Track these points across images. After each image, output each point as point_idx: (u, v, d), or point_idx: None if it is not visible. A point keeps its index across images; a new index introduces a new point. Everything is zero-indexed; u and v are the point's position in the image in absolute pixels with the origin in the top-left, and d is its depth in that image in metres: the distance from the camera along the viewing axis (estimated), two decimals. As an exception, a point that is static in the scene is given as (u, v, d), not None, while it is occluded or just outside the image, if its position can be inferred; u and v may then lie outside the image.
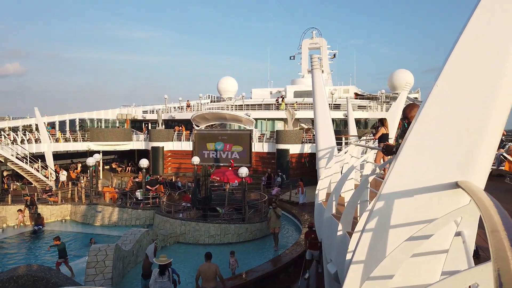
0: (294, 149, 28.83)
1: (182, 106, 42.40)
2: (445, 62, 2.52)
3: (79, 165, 32.98)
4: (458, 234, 2.22)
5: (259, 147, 30.74)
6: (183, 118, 36.92)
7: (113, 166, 37.20)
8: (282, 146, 28.95)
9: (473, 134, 2.46)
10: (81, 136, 33.72)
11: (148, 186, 21.65)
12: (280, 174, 26.64)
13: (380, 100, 37.26)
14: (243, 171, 16.82)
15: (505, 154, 9.41)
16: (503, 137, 15.19)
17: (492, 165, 10.18)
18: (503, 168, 9.68)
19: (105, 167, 36.82)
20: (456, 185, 2.44)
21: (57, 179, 27.89)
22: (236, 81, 48.71)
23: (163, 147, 33.12)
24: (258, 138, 31.34)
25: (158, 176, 27.08)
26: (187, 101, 42.92)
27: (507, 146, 11.58)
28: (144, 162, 20.25)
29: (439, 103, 2.53)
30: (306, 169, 27.94)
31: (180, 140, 33.69)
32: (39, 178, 26.98)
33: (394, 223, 2.62)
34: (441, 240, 2.33)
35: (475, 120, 2.45)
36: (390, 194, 2.65)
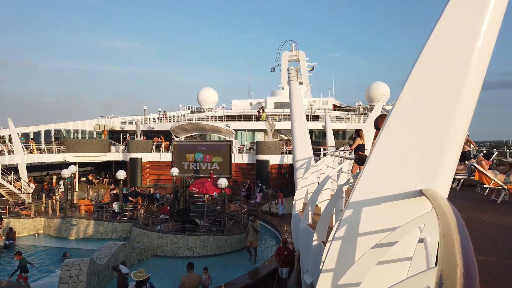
0: (274, 160, 28.93)
1: (161, 117, 42.11)
2: (409, 74, 2.62)
3: (54, 177, 32.07)
4: (421, 240, 2.28)
5: (239, 158, 30.70)
6: (162, 129, 36.60)
7: (90, 178, 36.34)
8: (262, 157, 29.00)
9: (436, 143, 2.55)
10: (57, 147, 32.88)
11: (130, 198, 21.29)
12: (260, 185, 26.63)
13: (357, 112, 37.98)
14: (222, 182, 16.73)
15: (475, 164, 9.71)
16: (475, 150, 15.65)
17: (464, 175, 10.47)
18: (473, 177, 9.98)
19: (82, 179, 35.94)
20: (420, 193, 2.51)
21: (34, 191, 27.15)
22: (216, 92, 48.83)
23: (141, 158, 32.63)
24: (238, 149, 31.34)
25: (136, 188, 26.60)
26: (164, 112, 42.65)
27: (477, 157, 11.94)
28: (121, 174, 19.89)
29: (404, 113, 2.62)
30: (286, 180, 28.03)
31: (159, 151, 33.31)
32: (12, 191, 26.06)
33: (362, 231, 2.67)
34: (406, 247, 2.39)
35: (438, 129, 2.54)
36: (358, 202, 2.70)
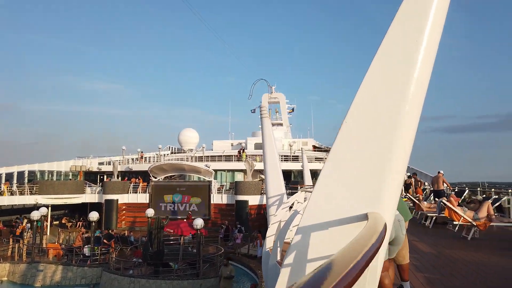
0: (253, 200, 28.63)
1: (139, 158, 41.71)
2: (352, 101, 2.72)
3: (25, 221, 30.68)
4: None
5: (218, 198, 30.27)
6: (140, 169, 36.04)
7: (63, 221, 34.92)
8: (241, 198, 28.68)
9: (379, 167, 2.60)
10: (29, 189, 31.75)
11: (105, 240, 20.45)
12: (238, 226, 26.11)
13: (336, 153, 38.55)
14: (198, 222, 16.34)
15: (444, 201, 9.86)
16: (449, 189, 15.91)
17: (434, 212, 10.58)
18: (443, 214, 10.10)
19: (54, 222, 34.49)
20: (366, 217, 2.52)
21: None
22: (197, 133, 48.98)
23: (117, 200, 31.73)
24: (217, 190, 30.99)
25: (110, 231, 25.65)
26: (141, 152, 42.25)
27: (449, 195, 12.14)
28: (93, 215, 19.22)
29: (348, 138, 2.69)
30: (265, 221, 27.61)
31: (136, 192, 32.57)
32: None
33: (311, 256, 2.62)
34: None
35: (380, 155, 2.61)
36: (307, 227, 2.68)
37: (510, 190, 12.66)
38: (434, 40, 2.64)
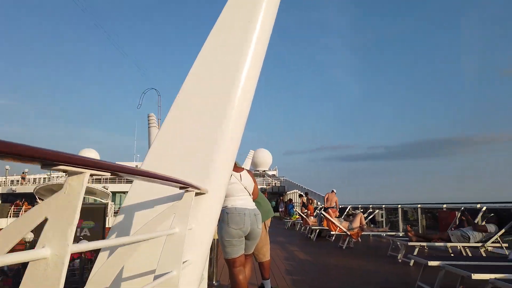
0: (153, 223, 27.37)
1: (22, 178, 37.31)
2: (186, 77, 2.73)
3: None
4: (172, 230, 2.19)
5: (115, 222, 28.28)
6: (26, 191, 32.19)
7: None
8: (140, 221, 27.19)
9: (208, 142, 2.60)
10: None
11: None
12: (135, 251, 24.58)
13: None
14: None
15: (323, 212, 10.53)
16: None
17: (315, 225, 11.13)
18: (323, 226, 10.76)
19: None
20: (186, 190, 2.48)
21: None
22: (97, 153, 45.90)
23: (-8, 225, 27.66)
24: (114, 213, 28.96)
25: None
26: (23, 173, 37.80)
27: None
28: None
29: (179, 113, 2.67)
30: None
31: (18, 216, 28.78)
32: None
33: (133, 230, 2.49)
34: (159, 240, 2.26)
35: (210, 130, 2.63)
36: (131, 206, 2.55)
37: (383, 206, 14.10)
38: (269, 19, 2.79)
